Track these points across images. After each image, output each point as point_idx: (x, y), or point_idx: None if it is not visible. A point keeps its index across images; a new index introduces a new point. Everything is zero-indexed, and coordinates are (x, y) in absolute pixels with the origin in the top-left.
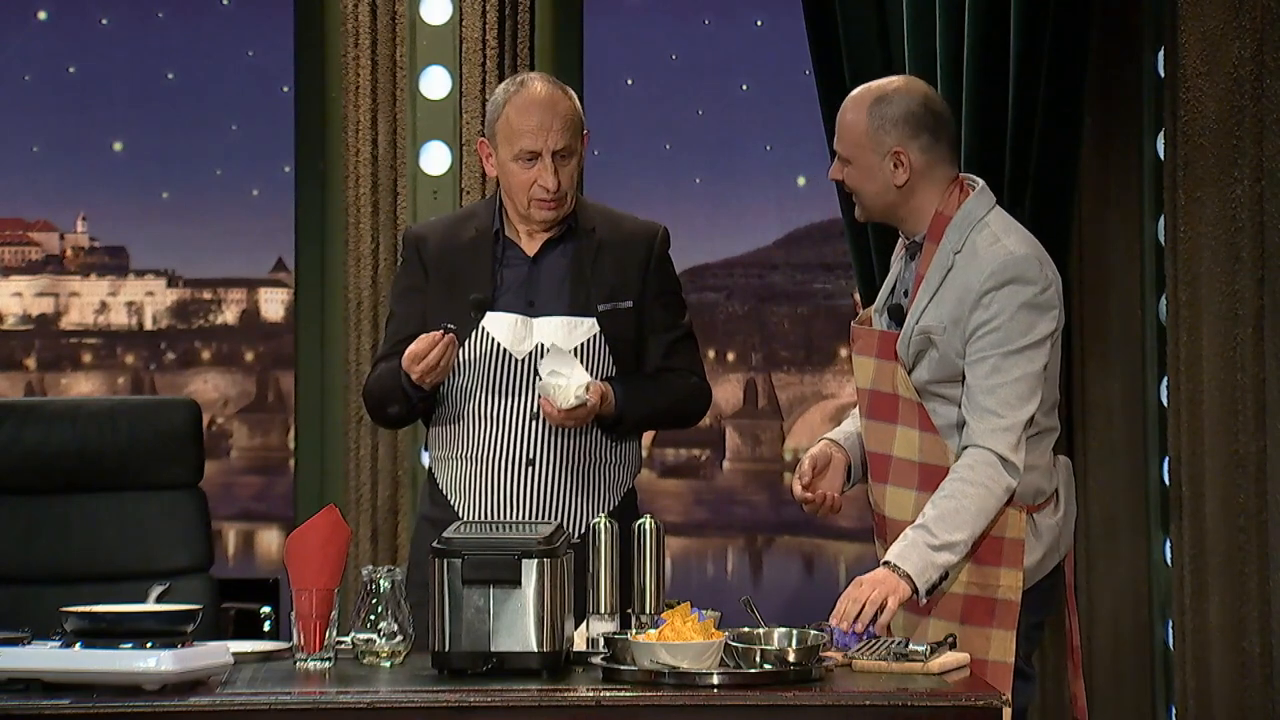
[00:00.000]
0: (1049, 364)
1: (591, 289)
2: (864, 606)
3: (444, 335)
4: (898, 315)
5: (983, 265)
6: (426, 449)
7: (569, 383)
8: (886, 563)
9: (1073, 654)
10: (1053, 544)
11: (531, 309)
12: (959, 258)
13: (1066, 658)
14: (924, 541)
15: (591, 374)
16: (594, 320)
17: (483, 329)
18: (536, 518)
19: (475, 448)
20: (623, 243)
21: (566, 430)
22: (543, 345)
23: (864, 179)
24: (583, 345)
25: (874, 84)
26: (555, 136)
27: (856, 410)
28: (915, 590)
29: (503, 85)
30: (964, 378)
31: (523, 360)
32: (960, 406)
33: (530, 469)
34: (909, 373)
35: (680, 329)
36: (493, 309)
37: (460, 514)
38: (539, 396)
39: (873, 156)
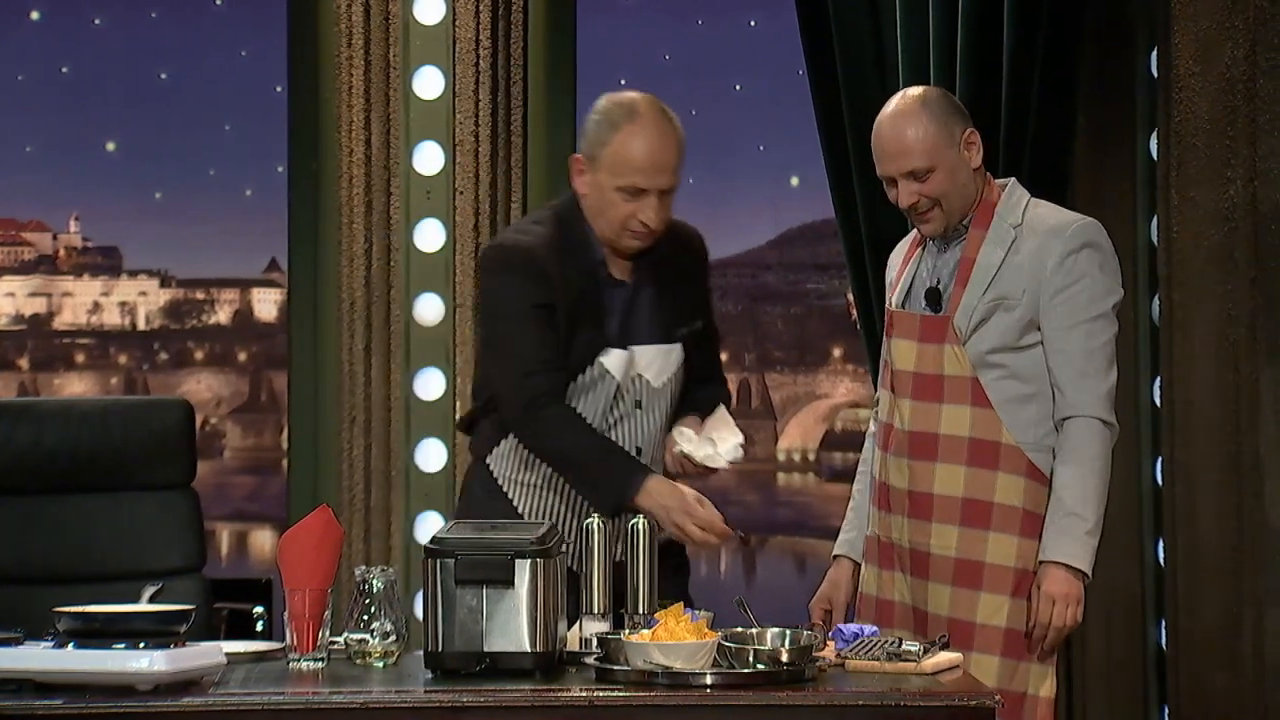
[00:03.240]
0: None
1: (671, 314)
2: (1065, 627)
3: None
4: (935, 299)
5: (1058, 230)
6: (487, 458)
7: (716, 447)
8: (1064, 564)
9: None
10: None
11: (625, 337)
12: (1021, 230)
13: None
14: (1083, 530)
15: (670, 401)
16: (680, 346)
17: (597, 360)
18: None
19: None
20: (677, 257)
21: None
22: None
23: (950, 178)
24: (674, 375)
25: (902, 97)
26: (667, 177)
27: (857, 489)
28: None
29: (606, 105)
30: (1026, 346)
31: (629, 391)
32: (1049, 375)
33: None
34: (963, 344)
35: (711, 327)
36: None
37: None
38: (679, 451)
39: (950, 151)
